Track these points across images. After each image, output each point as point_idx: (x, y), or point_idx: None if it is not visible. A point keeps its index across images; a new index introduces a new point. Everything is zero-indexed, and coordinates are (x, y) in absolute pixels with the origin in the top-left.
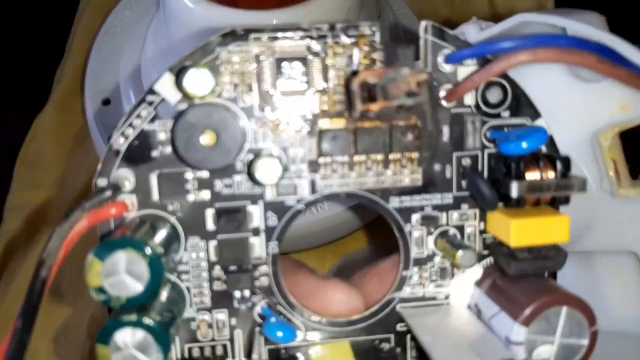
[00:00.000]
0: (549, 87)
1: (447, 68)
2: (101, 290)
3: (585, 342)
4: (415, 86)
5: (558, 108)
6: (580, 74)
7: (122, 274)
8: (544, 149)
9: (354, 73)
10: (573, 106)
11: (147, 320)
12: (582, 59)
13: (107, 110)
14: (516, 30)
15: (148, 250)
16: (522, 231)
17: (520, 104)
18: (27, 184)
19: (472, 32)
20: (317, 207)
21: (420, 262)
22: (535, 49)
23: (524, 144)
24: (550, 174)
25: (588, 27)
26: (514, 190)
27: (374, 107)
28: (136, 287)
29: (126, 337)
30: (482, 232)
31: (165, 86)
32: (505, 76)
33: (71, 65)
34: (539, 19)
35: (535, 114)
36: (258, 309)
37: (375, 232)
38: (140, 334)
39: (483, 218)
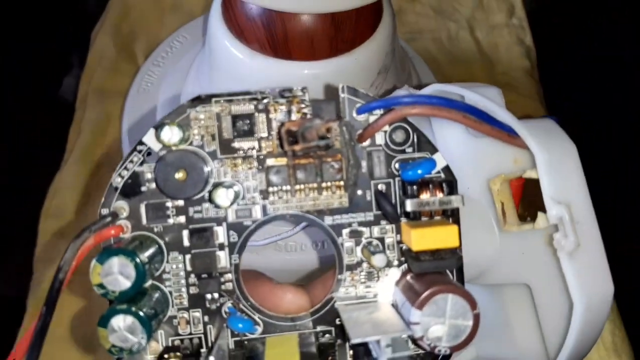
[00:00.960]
0: (454, 142)
1: (360, 118)
2: (101, 286)
3: (470, 322)
4: (325, 131)
5: (461, 157)
6: (471, 132)
7: (116, 274)
8: (442, 175)
9: (282, 124)
10: (471, 157)
11: (134, 309)
12: (450, 114)
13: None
14: (433, 94)
15: (135, 257)
16: (420, 238)
17: (421, 142)
18: (53, 236)
19: (402, 94)
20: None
21: (351, 268)
22: (418, 105)
23: (418, 171)
24: (438, 194)
25: (476, 95)
26: (408, 205)
27: (297, 147)
28: (126, 284)
29: (119, 321)
30: (399, 242)
31: (149, 139)
32: (407, 121)
33: (89, 122)
34: (447, 89)
35: (434, 149)
36: (225, 308)
37: None
38: (129, 319)
39: (398, 231)
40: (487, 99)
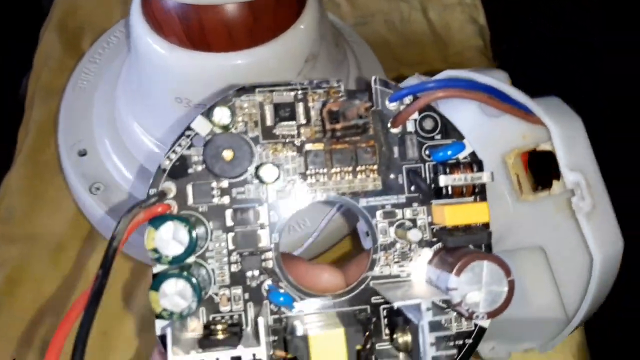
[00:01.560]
0: (470, 121)
1: (391, 106)
2: (155, 250)
3: (505, 289)
4: (363, 111)
5: (476, 137)
6: (487, 112)
7: (170, 239)
8: (469, 159)
9: (324, 105)
10: (485, 136)
11: (186, 274)
12: (476, 96)
13: (85, 161)
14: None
15: (188, 223)
16: (453, 213)
17: (448, 129)
18: (3, 240)
19: (413, 81)
20: (300, 225)
21: (385, 248)
22: (445, 88)
23: (448, 152)
24: (467, 173)
25: (488, 78)
26: (442, 181)
27: (338, 126)
28: (178, 249)
29: (171, 286)
30: (430, 223)
31: (198, 124)
32: (435, 110)
33: (35, 122)
34: (459, 74)
35: (460, 136)
36: (265, 285)
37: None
38: (181, 283)
39: (430, 212)
40: (499, 82)
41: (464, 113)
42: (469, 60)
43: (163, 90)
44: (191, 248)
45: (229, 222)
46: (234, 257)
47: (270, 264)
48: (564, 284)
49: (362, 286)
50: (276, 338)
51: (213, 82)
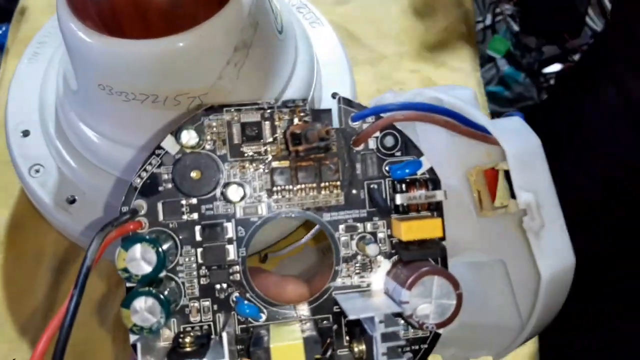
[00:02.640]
0: (439, 137)
1: (354, 125)
2: (125, 270)
3: (453, 301)
4: (324, 134)
5: (443, 153)
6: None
7: (139, 259)
8: (427, 176)
9: (288, 128)
10: (452, 152)
11: (155, 291)
12: (434, 119)
13: (27, 142)
14: (413, 98)
15: (156, 244)
16: (409, 229)
17: (408, 147)
18: None
19: (389, 97)
20: None
21: (347, 260)
22: (405, 112)
23: (406, 170)
24: (423, 190)
25: (452, 98)
26: (398, 199)
27: (300, 147)
28: (147, 268)
29: (141, 303)
30: (390, 236)
31: (167, 143)
32: (395, 128)
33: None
34: (425, 92)
35: (420, 153)
36: (233, 297)
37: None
38: (150, 301)
39: (389, 226)
40: (463, 102)
41: (434, 129)
42: (451, 44)
43: (86, 77)
44: (159, 268)
45: (198, 238)
46: (203, 271)
47: (237, 277)
48: (520, 296)
49: (325, 296)
50: (242, 347)
51: (131, 70)
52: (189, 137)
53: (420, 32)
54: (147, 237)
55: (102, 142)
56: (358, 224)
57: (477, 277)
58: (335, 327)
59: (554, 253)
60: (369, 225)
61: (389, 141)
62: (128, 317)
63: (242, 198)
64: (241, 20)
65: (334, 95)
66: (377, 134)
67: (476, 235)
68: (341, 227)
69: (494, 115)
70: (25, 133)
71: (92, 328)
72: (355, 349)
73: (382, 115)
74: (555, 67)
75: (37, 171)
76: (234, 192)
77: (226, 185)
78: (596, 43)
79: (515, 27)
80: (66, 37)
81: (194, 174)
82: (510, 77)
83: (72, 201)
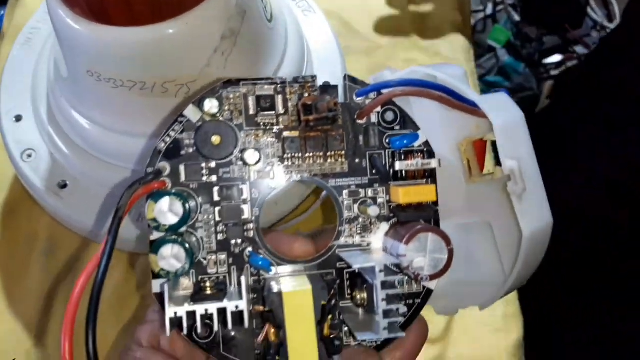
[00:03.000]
0: (433, 112)
1: (358, 100)
2: (154, 220)
3: (445, 256)
4: (333, 105)
5: (437, 125)
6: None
7: (167, 211)
8: (424, 148)
9: (300, 99)
10: (445, 125)
11: (181, 240)
12: (430, 95)
13: (20, 127)
14: (410, 75)
15: (183, 197)
16: (406, 193)
17: (406, 121)
18: None
19: (387, 74)
20: None
21: (350, 221)
22: (404, 87)
23: (404, 141)
24: (419, 159)
25: (445, 76)
26: (397, 165)
27: (311, 117)
28: (174, 219)
29: (168, 250)
30: (388, 202)
31: (189, 112)
32: (395, 104)
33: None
34: (421, 69)
35: (417, 127)
36: (247, 252)
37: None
38: (176, 248)
39: (388, 192)
40: (455, 78)
41: (428, 103)
42: (446, 34)
43: (75, 63)
44: (185, 219)
45: (216, 198)
46: (220, 227)
47: (251, 234)
48: (504, 254)
49: (330, 253)
50: (255, 296)
51: (118, 57)
52: (210, 105)
53: (416, 21)
54: (174, 191)
55: (93, 129)
56: (360, 190)
57: (466, 238)
58: (338, 281)
59: (534, 214)
60: (370, 191)
61: (389, 116)
62: (155, 262)
63: (257, 162)
64: (228, 9)
65: (323, 85)
66: (379, 109)
67: (465, 200)
68: (345, 192)
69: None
70: (18, 118)
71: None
72: (358, 297)
73: (383, 91)
74: (556, 58)
75: (30, 156)
76: (250, 156)
77: (243, 150)
78: (603, 42)
79: (516, 17)
80: (55, 24)
81: (214, 139)
82: (510, 67)
83: (63, 186)
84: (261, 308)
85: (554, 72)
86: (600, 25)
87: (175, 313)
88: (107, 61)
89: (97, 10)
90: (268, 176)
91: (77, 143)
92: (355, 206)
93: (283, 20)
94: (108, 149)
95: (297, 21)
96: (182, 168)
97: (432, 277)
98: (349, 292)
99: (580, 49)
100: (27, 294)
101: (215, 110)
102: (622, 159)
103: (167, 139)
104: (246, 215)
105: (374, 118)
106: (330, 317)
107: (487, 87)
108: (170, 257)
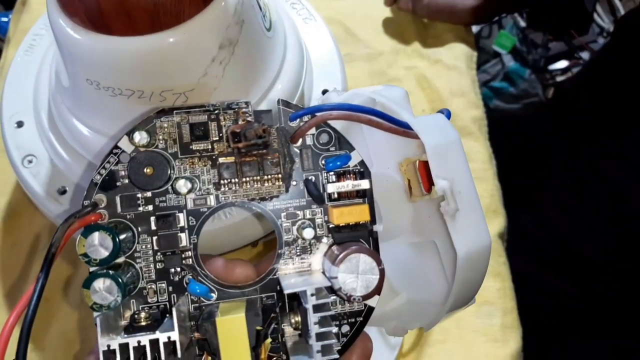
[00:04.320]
0: (378, 135)
1: (292, 124)
2: (85, 255)
3: (377, 276)
4: (261, 132)
5: (382, 146)
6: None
7: (97, 245)
8: (357, 167)
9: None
10: (388, 145)
11: (112, 273)
12: (357, 118)
13: (21, 133)
14: (352, 97)
15: (112, 232)
16: (340, 214)
17: (341, 142)
18: None
19: (333, 96)
20: (226, 214)
21: (289, 243)
22: (334, 111)
23: (337, 163)
24: (351, 180)
25: (384, 98)
26: (329, 188)
27: (240, 144)
28: (104, 253)
29: (100, 284)
30: (327, 222)
31: (123, 143)
32: (330, 126)
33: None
34: (361, 92)
35: (352, 148)
36: (186, 279)
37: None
38: (107, 281)
39: (326, 213)
40: (392, 101)
41: (372, 131)
42: (448, 41)
43: (75, 71)
44: (115, 252)
45: (153, 227)
46: (159, 256)
47: (189, 261)
48: (448, 272)
49: (270, 276)
50: (195, 323)
51: (117, 66)
52: (140, 137)
53: (418, 29)
54: (103, 225)
55: (93, 136)
56: (298, 212)
57: (417, 256)
58: (280, 304)
59: (469, 233)
60: (308, 213)
61: (324, 138)
62: (89, 297)
63: (190, 190)
64: (226, 19)
65: (323, 92)
66: (313, 131)
67: (411, 219)
68: (283, 214)
69: (497, 110)
70: (20, 124)
71: (82, 316)
72: (292, 320)
73: (316, 114)
74: (562, 64)
75: (30, 162)
76: (182, 186)
77: (176, 179)
78: (606, 49)
79: (522, 23)
80: (55, 33)
81: (147, 170)
82: (515, 73)
83: (63, 192)
84: (201, 335)
85: (559, 78)
86: (606, 32)
87: (109, 346)
88: (105, 70)
89: (96, 20)
90: (205, 203)
91: (77, 150)
92: (294, 228)
93: (282, 28)
94: None
95: (297, 29)
96: (117, 199)
97: (365, 298)
98: (289, 310)
99: (586, 55)
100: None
101: (144, 141)
102: None
103: (103, 171)
104: (184, 243)
105: (309, 140)
106: (269, 340)
107: (492, 92)
108: (102, 290)
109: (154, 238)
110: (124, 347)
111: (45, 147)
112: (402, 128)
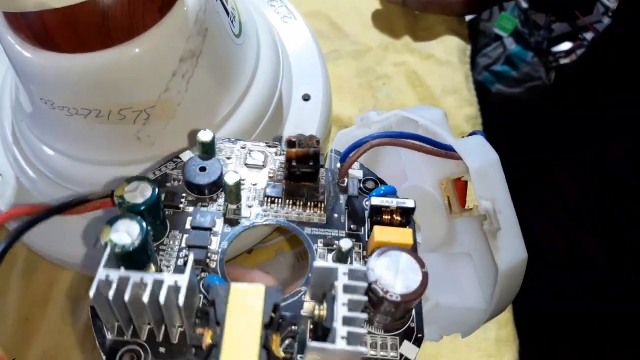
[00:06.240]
0: (416, 155)
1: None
2: (121, 197)
3: (419, 277)
4: (315, 143)
5: (422, 165)
6: None
7: (137, 191)
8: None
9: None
10: (427, 165)
11: (140, 219)
12: (402, 143)
13: None
14: (391, 118)
15: (154, 184)
16: (381, 232)
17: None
18: None
19: (373, 115)
20: None
21: None
22: (377, 139)
23: (381, 192)
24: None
25: (425, 121)
26: (373, 201)
27: (293, 150)
28: (140, 200)
29: (124, 224)
30: (364, 257)
31: (186, 156)
32: (374, 174)
33: None
34: (404, 114)
35: (383, 183)
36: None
37: None
38: (133, 225)
39: (365, 248)
40: (434, 123)
41: (410, 154)
42: (440, 35)
43: (30, 90)
44: (150, 202)
45: (187, 226)
46: (183, 253)
47: (214, 265)
48: (484, 284)
49: (295, 298)
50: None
51: (68, 85)
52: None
53: (409, 21)
54: (151, 179)
55: (56, 156)
56: (336, 241)
57: (450, 266)
58: (301, 327)
59: (509, 251)
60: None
61: (370, 185)
62: (107, 233)
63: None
64: (186, 29)
65: (305, 98)
66: (361, 176)
67: (447, 233)
68: (320, 241)
69: (499, 95)
70: None
71: (63, 335)
72: (316, 312)
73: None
74: (566, 46)
75: None
76: (230, 177)
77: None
78: (603, 36)
79: (524, 4)
80: (5, 49)
81: (202, 173)
82: (517, 57)
83: None
84: (205, 331)
85: (563, 61)
86: (612, 11)
87: (107, 276)
88: (57, 89)
89: (42, 36)
90: (244, 215)
91: (42, 170)
92: (330, 255)
93: (255, 32)
94: (73, 178)
95: (273, 31)
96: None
97: (404, 298)
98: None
99: (591, 36)
100: (4, 315)
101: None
102: None
103: (158, 172)
104: (214, 246)
105: (354, 190)
106: (279, 337)
107: (494, 77)
108: (124, 231)
109: (185, 236)
110: (124, 282)
111: (10, 164)
112: (444, 150)
